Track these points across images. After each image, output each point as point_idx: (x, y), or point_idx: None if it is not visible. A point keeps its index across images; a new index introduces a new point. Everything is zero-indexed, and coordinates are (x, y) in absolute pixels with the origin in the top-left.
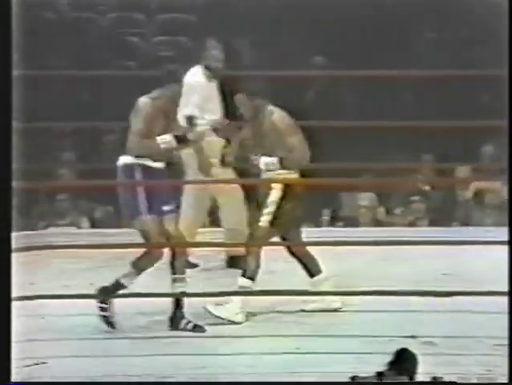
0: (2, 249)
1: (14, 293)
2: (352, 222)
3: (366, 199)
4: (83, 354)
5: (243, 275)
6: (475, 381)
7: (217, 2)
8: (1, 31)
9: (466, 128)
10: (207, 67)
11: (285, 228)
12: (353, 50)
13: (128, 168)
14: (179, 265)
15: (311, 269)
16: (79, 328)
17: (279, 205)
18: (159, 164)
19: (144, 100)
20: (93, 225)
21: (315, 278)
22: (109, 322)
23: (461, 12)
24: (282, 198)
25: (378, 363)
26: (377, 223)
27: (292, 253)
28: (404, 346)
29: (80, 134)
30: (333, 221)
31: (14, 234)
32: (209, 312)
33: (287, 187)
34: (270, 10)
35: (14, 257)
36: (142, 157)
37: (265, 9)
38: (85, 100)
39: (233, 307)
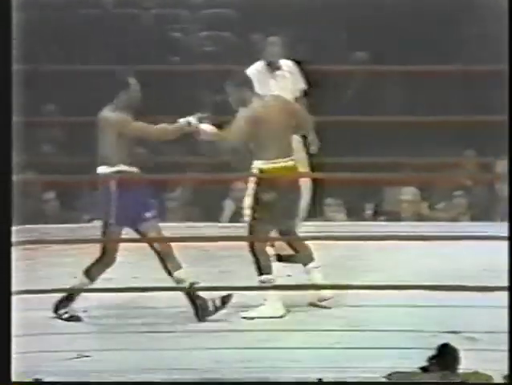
0: (2, 244)
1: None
2: (395, 216)
3: (408, 193)
4: (125, 348)
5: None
6: None
7: None
8: (1, 29)
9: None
10: (268, 63)
11: (276, 221)
12: (394, 46)
13: (104, 177)
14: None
15: (304, 259)
16: (120, 322)
17: (255, 199)
18: (134, 169)
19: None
20: None
21: (308, 266)
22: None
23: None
24: (258, 191)
25: (420, 358)
26: (420, 217)
27: (289, 244)
28: (445, 341)
29: None
30: (376, 216)
31: (64, 226)
32: (250, 318)
33: (261, 180)
34: (313, 5)
35: (59, 249)
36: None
37: (307, 3)
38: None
39: (272, 303)
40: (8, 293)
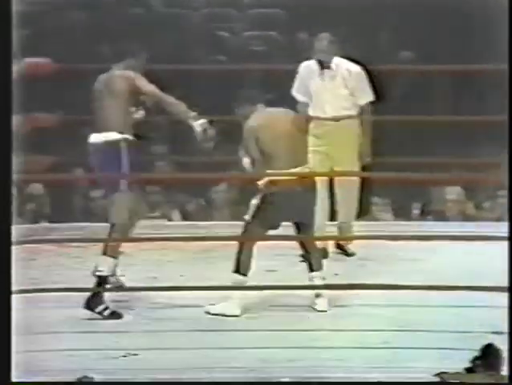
0: (2, 243)
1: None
2: (441, 216)
3: (453, 193)
4: (172, 347)
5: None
6: None
7: None
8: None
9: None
10: (319, 61)
11: (277, 222)
12: (440, 45)
13: (114, 144)
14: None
15: (313, 264)
16: (171, 320)
17: (262, 198)
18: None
19: None
20: (185, 218)
21: (313, 274)
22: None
23: None
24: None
25: (464, 359)
26: (465, 217)
27: (302, 245)
28: (489, 341)
29: (174, 127)
30: (423, 215)
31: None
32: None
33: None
34: (360, 4)
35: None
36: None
37: (354, 2)
38: (178, 94)
39: (232, 301)
40: (8, 293)
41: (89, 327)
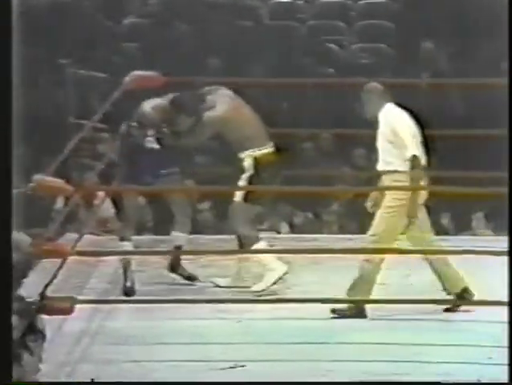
0: (2, 241)
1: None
2: None
3: None
4: (280, 359)
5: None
6: None
7: (415, 8)
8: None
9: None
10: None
11: None
12: None
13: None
14: None
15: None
16: (275, 332)
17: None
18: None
19: None
20: (292, 230)
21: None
22: None
23: None
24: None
25: None
26: None
27: None
28: None
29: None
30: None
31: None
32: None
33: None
34: (470, 18)
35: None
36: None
37: (463, 16)
38: (285, 107)
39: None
40: (8, 293)
41: (197, 338)
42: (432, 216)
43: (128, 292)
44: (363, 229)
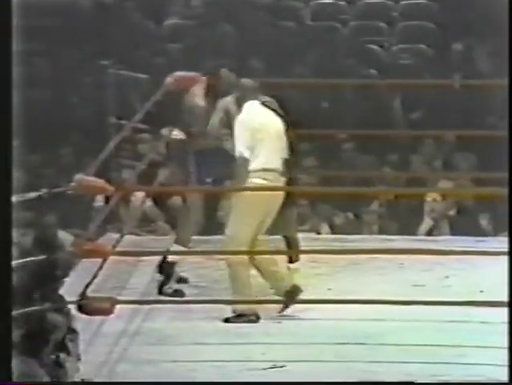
0: (2, 242)
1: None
2: None
3: None
4: (321, 359)
5: None
6: None
7: (456, 9)
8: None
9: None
10: None
11: None
12: None
13: None
14: None
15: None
16: (316, 333)
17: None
18: None
19: None
20: (333, 231)
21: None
22: None
23: None
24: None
25: None
26: None
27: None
28: None
29: (319, 141)
30: None
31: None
32: None
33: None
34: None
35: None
36: None
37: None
38: (326, 107)
39: None
40: (8, 294)
41: (236, 339)
42: (471, 217)
43: (179, 293)
44: (403, 230)
